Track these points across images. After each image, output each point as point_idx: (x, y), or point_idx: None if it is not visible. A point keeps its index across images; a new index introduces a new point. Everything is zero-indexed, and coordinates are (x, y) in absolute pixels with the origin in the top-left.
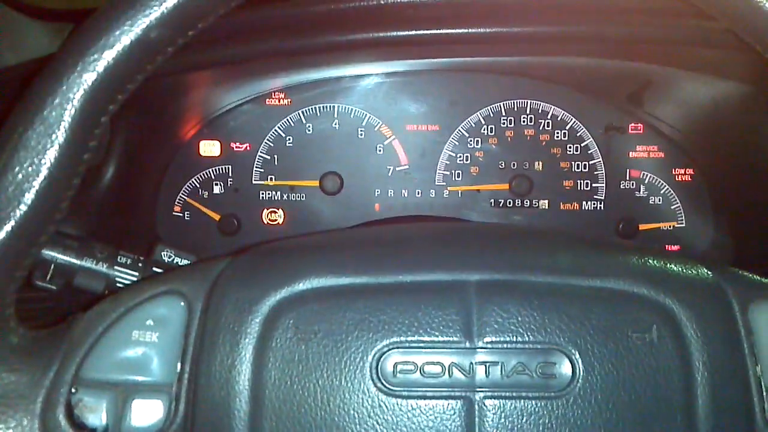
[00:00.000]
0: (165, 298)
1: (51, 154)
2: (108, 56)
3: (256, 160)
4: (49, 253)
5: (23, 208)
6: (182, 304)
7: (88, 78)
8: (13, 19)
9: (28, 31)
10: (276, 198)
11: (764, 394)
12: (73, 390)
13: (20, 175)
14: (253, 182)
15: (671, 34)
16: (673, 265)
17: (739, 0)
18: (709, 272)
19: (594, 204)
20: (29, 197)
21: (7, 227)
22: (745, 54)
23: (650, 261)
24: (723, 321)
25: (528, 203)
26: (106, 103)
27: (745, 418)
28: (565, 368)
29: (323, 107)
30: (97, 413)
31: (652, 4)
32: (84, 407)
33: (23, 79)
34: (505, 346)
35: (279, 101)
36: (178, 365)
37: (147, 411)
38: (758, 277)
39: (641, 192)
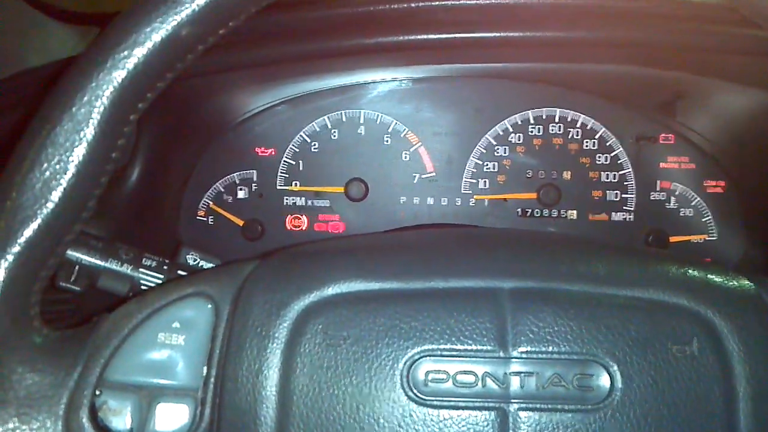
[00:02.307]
0: (192, 300)
1: (79, 152)
2: (138, 53)
3: (281, 165)
4: (73, 253)
5: (50, 206)
6: (209, 306)
7: (119, 75)
8: (39, 21)
9: (53, 34)
10: (300, 204)
11: None
12: (97, 392)
13: (48, 173)
14: (278, 188)
15: (706, 41)
16: (713, 276)
17: None
18: (750, 283)
19: (623, 215)
20: (56, 195)
21: (34, 225)
22: None
23: (690, 271)
24: (765, 334)
25: (556, 213)
26: (136, 102)
27: None
28: (602, 380)
29: (349, 113)
30: (121, 416)
31: (688, 11)
32: (108, 410)
33: (48, 79)
34: (540, 356)
35: (305, 106)
36: (204, 369)
37: (172, 415)
38: None
39: (672, 203)
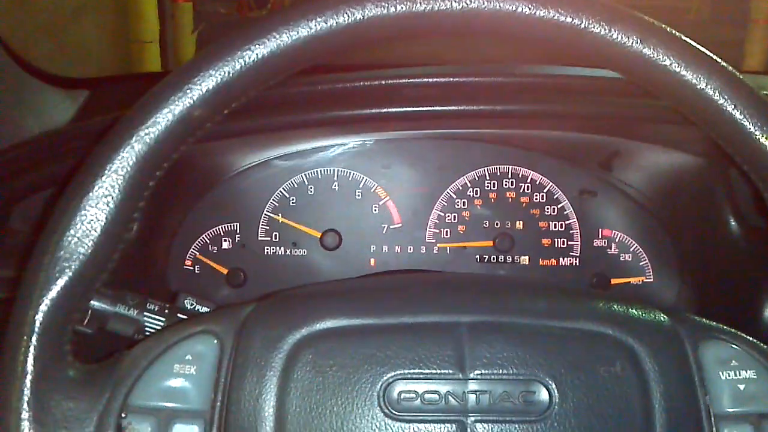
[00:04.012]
0: (201, 336)
1: (107, 213)
2: (157, 131)
3: (262, 218)
4: None
5: (82, 259)
6: (215, 342)
7: (140, 150)
8: (34, 87)
9: (47, 98)
10: (280, 253)
11: (712, 420)
12: (123, 414)
13: (81, 231)
14: (259, 239)
15: (633, 112)
16: (634, 310)
17: (674, 79)
18: (665, 316)
19: (570, 260)
20: (87, 250)
21: (69, 274)
22: (695, 130)
23: (615, 306)
24: (677, 357)
25: (510, 259)
26: (154, 170)
27: None
28: (543, 396)
29: (324, 170)
30: None
31: (614, 86)
32: (133, 429)
33: (65, 141)
34: (492, 377)
35: (284, 165)
36: (212, 394)
37: None
38: (707, 321)
39: (613, 249)
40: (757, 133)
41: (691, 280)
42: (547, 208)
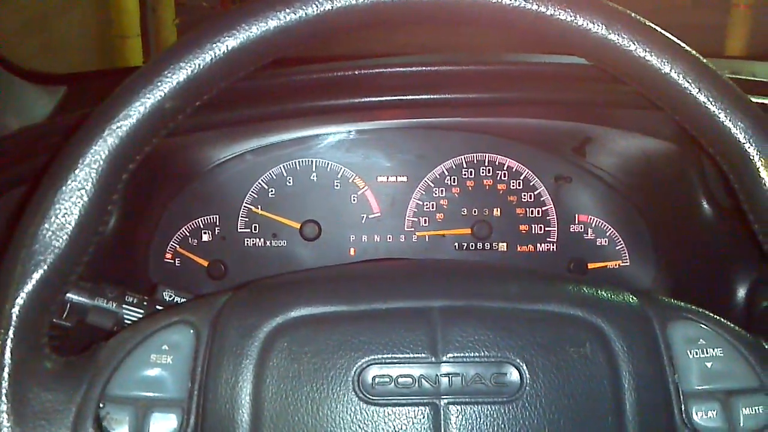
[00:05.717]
0: (177, 326)
1: (81, 206)
2: (129, 124)
3: (242, 210)
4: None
5: (57, 252)
6: (191, 331)
7: (112, 143)
8: (13, 83)
9: (26, 94)
10: (260, 244)
11: (681, 398)
12: (101, 405)
13: (55, 224)
14: (239, 230)
15: (602, 97)
16: (603, 292)
17: (639, 63)
18: (633, 297)
19: (547, 246)
20: (62, 243)
21: (45, 267)
22: (665, 115)
23: (585, 289)
24: (645, 337)
25: (488, 246)
26: (127, 163)
27: (665, 419)
28: (514, 377)
29: (302, 162)
30: (121, 425)
31: (587, 73)
32: (111, 419)
33: (46, 136)
34: (464, 360)
35: (262, 157)
36: (189, 383)
37: (163, 423)
38: (675, 301)
39: (589, 234)
40: (721, 115)
41: (666, 263)
42: (524, 195)
